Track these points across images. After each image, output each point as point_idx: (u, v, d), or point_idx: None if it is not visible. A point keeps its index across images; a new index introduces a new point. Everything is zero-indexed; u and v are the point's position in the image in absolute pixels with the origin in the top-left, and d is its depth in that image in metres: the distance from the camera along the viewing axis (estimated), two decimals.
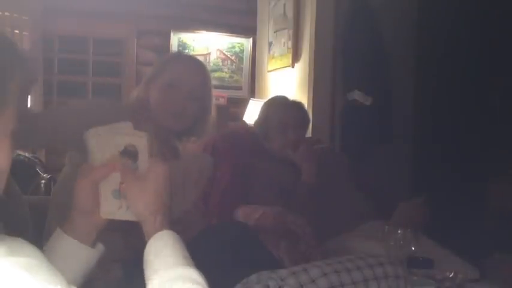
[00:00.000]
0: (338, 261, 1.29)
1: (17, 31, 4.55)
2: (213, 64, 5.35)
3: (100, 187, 0.93)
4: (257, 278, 1.24)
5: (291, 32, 3.61)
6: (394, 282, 1.26)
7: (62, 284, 0.71)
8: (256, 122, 2.34)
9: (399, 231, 1.46)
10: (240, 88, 5.42)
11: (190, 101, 1.69)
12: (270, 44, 4.03)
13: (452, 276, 1.46)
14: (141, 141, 0.86)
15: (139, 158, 0.87)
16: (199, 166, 1.70)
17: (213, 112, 1.81)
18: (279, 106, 2.31)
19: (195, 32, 5.25)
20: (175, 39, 5.20)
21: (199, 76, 1.74)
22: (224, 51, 5.39)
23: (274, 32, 3.94)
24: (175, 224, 1.61)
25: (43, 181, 2.92)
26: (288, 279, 1.20)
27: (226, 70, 5.41)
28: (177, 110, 1.67)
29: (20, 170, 2.84)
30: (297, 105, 2.36)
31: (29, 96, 1.61)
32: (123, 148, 0.87)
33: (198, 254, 1.48)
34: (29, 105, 4.76)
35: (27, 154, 3.26)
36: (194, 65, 1.78)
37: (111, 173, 0.91)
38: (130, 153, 0.88)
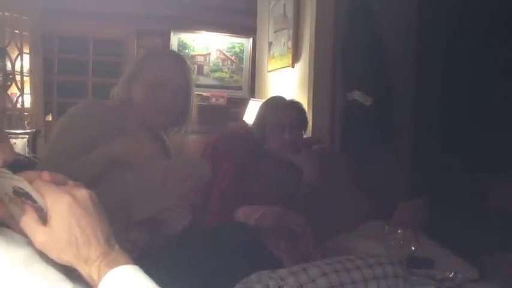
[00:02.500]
0: (337, 261, 1.29)
1: (17, 31, 4.55)
2: (213, 64, 5.35)
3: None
4: (257, 277, 1.24)
5: (291, 32, 3.60)
6: (394, 282, 1.26)
7: (55, 275, 0.72)
8: (254, 123, 2.34)
9: (399, 231, 1.46)
10: (240, 88, 5.42)
11: (176, 98, 1.71)
12: (270, 44, 4.03)
13: (452, 276, 1.46)
14: (23, 184, 0.75)
15: (35, 198, 0.75)
16: (188, 167, 1.67)
17: (194, 101, 1.82)
18: (276, 107, 2.30)
19: (195, 32, 5.25)
20: (175, 39, 5.20)
21: (181, 72, 1.75)
22: (224, 51, 5.39)
23: (274, 32, 3.93)
24: (151, 223, 1.61)
25: None
26: (288, 279, 1.20)
27: (226, 70, 5.41)
28: (163, 108, 1.68)
29: (20, 170, 2.83)
30: (294, 105, 2.36)
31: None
32: (12, 190, 0.75)
33: (199, 254, 1.49)
34: (28, 105, 4.74)
35: (27, 154, 3.26)
36: (175, 62, 1.78)
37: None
38: (23, 194, 0.75)
